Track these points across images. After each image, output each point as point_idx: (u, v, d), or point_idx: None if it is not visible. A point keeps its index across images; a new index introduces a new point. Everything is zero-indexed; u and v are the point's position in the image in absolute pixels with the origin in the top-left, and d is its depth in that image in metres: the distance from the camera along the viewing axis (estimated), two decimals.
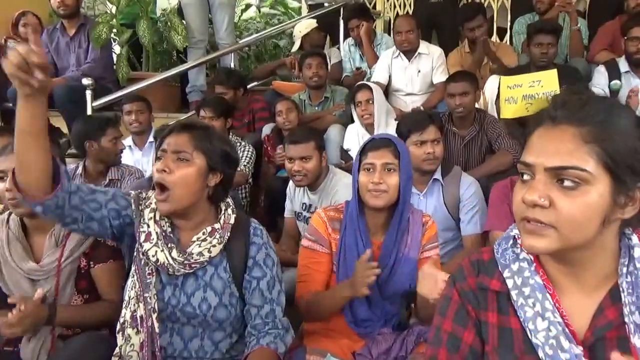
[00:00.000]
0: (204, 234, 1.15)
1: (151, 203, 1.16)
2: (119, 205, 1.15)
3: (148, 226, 1.13)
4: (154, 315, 1.12)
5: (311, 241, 1.38)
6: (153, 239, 1.12)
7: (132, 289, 1.13)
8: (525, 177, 0.68)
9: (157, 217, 1.14)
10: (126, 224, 1.15)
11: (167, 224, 1.16)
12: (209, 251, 1.14)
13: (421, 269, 1.15)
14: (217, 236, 1.16)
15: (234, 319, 1.19)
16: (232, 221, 1.19)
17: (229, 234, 1.17)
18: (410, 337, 1.29)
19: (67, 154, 3.04)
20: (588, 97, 0.68)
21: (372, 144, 1.34)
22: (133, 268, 1.14)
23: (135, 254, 1.14)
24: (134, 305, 1.13)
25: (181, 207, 1.14)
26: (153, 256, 1.11)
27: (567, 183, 0.64)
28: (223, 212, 1.20)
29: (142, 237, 1.12)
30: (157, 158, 1.14)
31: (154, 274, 1.13)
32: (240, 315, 1.20)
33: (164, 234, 1.13)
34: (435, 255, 1.38)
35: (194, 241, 1.15)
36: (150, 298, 1.12)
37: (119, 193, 1.17)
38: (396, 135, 2.06)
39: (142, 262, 1.13)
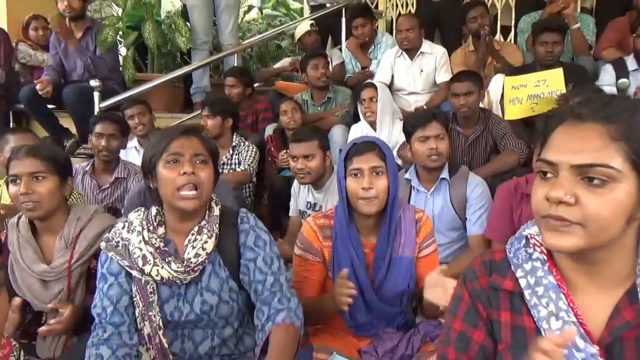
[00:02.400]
0: (192, 234, 1.16)
1: (135, 227, 1.16)
2: (122, 289, 1.15)
3: (140, 250, 1.13)
4: (160, 332, 1.14)
5: (302, 250, 1.37)
6: (149, 259, 1.13)
7: (136, 307, 1.15)
8: (548, 175, 0.67)
9: (147, 237, 1.15)
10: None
11: (159, 240, 1.16)
12: (203, 248, 1.15)
13: (428, 276, 1.13)
14: (206, 231, 1.16)
15: (237, 312, 1.20)
16: (216, 213, 1.20)
17: (217, 226, 1.18)
18: (417, 336, 1.29)
19: (76, 154, 3.09)
20: (612, 96, 0.68)
21: (356, 149, 1.30)
22: (134, 288, 1.14)
23: (134, 274, 1.15)
24: (140, 324, 1.14)
25: (204, 204, 1.18)
26: (156, 275, 1.12)
27: (595, 181, 0.63)
28: (207, 207, 1.21)
29: (140, 262, 1.13)
30: (171, 161, 1.13)
31: (156, 292, 1.14)
32: (244, 308, 1.21)
33: (158, 250, 1.14)
34: (434, 250, 1.36)
35: (187, 244, 1.16)
36: (154, 316, 1.13)
37: (112, 286, 1.15)
38: (403, 135, 2.09)
39: (143, 281, 1.14)
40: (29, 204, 1.32)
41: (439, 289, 1.06)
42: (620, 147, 0.63)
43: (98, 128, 2.30)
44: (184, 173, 1.11)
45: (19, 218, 1.42)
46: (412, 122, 1.97)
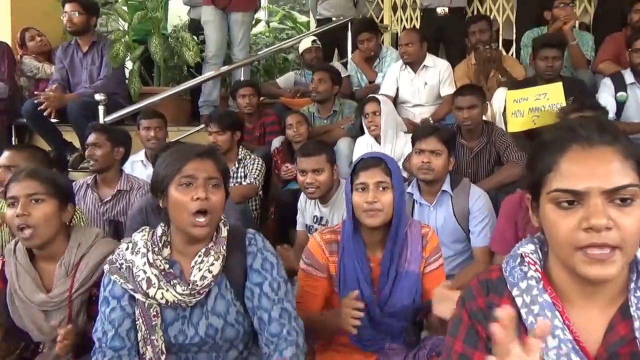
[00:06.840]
0: (199, 256, 1.14)
1: (140, 249, 1.14)
2: (126, 314, 1.14)
3: (145, 272, 1.11)
4: (163, 357, 1.12)
5: (307, 265, 1.39)
6: (154, 282, 1.10)
7: (138, 331, 1.13)
8: (564, 204, 0.66)
9: (152, 260, 1.12)
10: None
11: (164, 262, 1.14)
12: (209, 271, 1.13)
13: (435, 291, 1.14)
14: (212, 253, 1.14)
15: (243, 335, 1.18)
16: (224, 234, 1.18)
17: (224, 248, 1.16)
18: (423, 351, 1.29)
19: (79, 168, 3.11)
20: (600, 116, 0.72)
21: (363, 164, 1.34)
22: (137, 311, 1.12)
23: (137, 297, 1.13)
24: (142, 348, 1.12)
25: (214, 229, 1.16)
26: (161, 298, 1.11)
27: (621, 201, 0.65)
28: (215, 228, 1.19)
29: (145, 285, 1.11)
30: (184, 184, 1.11)
31: (159, 315, 1.12)
32: (250, 330, 1.19)
33: (163, 273, 1.12)
34: (440, 265, 1.37)
35: (193, 266, 1.14)
36: (157, 340, 1.11)
37: (114, 310, 1.14)
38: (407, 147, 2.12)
39: (146, 305, 1.12)
40: (25, 232, 1.26)
41: (448, 303, 1.06)
42: (632, 166, 0.66)
43: (91, 139, 2.31)
44: (197, 198, 1.09)
45: (16, 244, 1.35)
46: (415, 134, 2.07)
